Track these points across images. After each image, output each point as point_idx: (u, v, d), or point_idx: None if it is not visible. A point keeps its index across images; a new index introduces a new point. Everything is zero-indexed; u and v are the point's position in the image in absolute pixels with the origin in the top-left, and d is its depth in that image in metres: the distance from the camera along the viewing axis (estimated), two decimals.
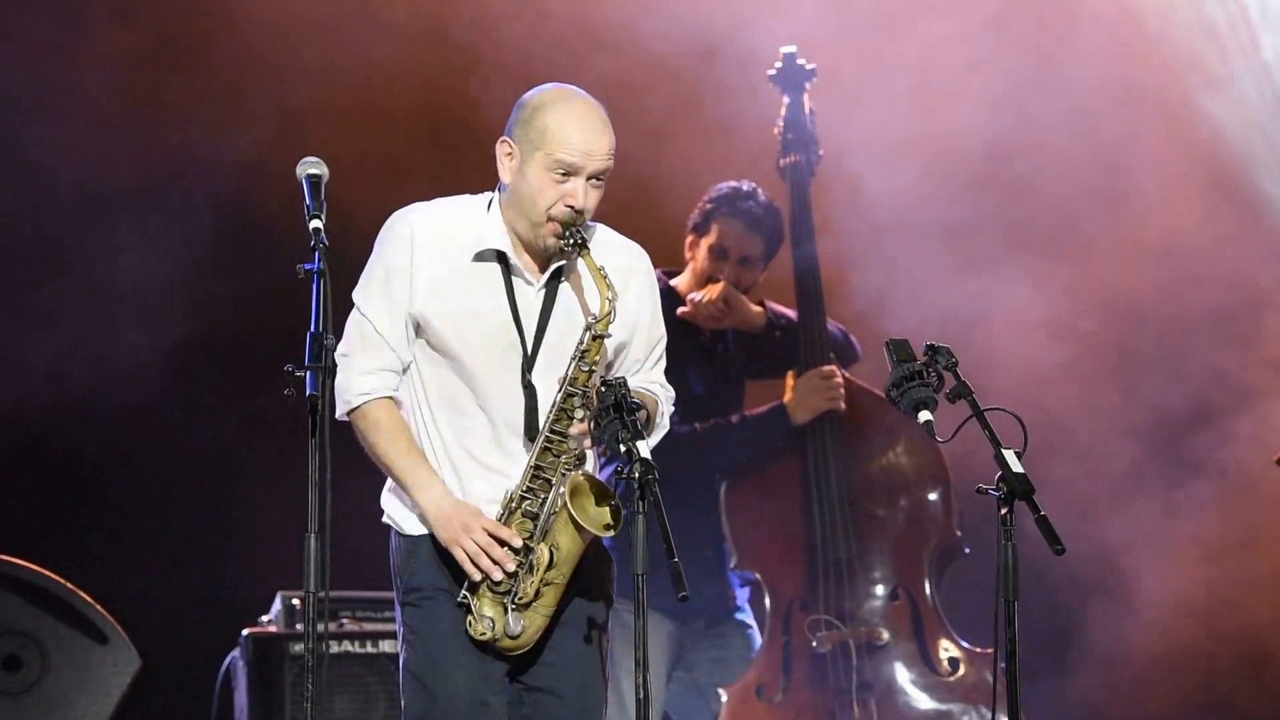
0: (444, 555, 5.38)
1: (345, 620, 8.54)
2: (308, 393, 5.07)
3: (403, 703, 5.47)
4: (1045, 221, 9.41)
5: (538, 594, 5.32)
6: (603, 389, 5.23)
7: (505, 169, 5.41)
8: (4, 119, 9.09)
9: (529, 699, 5.45)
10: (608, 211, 5.51)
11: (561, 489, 5.30)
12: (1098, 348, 9.33)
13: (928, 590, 7.99)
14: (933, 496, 8.07)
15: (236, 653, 8.46)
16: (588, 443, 5.38)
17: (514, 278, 5.42)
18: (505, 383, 5.40)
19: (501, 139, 5.41)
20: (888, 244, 9.11)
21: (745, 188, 8.06)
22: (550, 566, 5.31)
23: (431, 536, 5.39)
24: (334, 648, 8.41)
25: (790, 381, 8.08)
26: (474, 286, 5.40)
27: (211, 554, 9.30)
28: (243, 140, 9.13)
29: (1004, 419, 5.26)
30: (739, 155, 8.80)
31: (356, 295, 5.45)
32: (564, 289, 5.45)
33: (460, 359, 5.40)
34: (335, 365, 5.19)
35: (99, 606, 8.05)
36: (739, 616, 8.01)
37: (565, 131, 5.32)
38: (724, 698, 7.85)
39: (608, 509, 5.28)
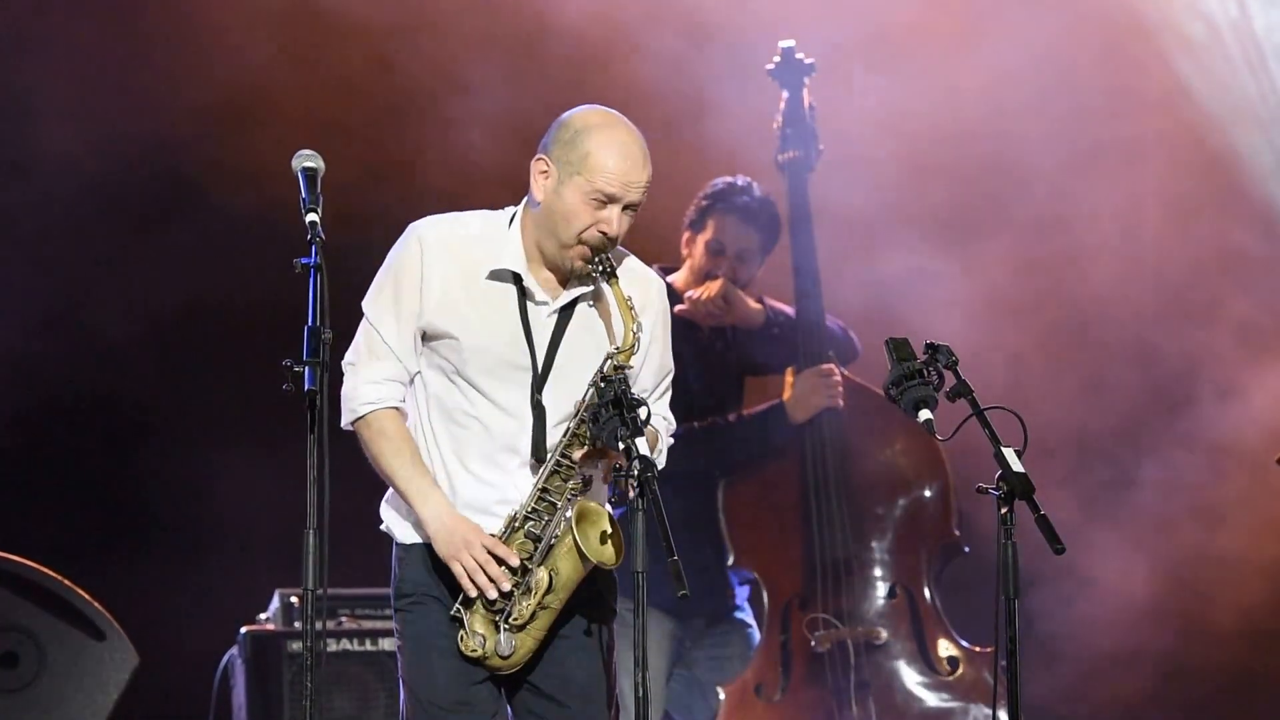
0: (437, 563, 5.37)
1: (344, 618, 8.53)
2: (306, 388, 5.08)
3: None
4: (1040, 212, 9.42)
5: (533, 616, 5.30)
6: (602, 385, 5.22)
7: (539, 186, 5.35)
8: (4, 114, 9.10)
9: (536, 705, 5.44)
10: None
11: (568, 513, 5.29)
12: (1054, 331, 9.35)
13: (926, 589, 7.98)
14: (931, 495, 8.06)
15: (234, 650, 8.45)
16: (599, 471, 5.36)
17: (526, 298, 5.39)
18: (510, 400, 5.38)
19: (538, 156, 5.34)
20: (887, 240, 9.09)
21: (740, 182, 8.06)
22: (549, 590, 5.29)
23: (426, 545, 5.38)
24: (332, 646, 8.40)
25: (789, 379, 8.07)
26: (485, 303, 5.37)
27: (210, 551, 9.29)
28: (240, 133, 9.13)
29: (1004, 418, 5.25)
30: (736, 151, 8.78)
31: (366, 305, 5.43)
32: (579, 311, 5.42)
33: (466, 374, 5.38)
34: (331, 358, 5.18)
35: (96, 603, 8.03)
36: (739, 615, 8.01)
37: (608, 160, 5.27)
38: (722, 696, 7.85)
39: (611, 545, 5.27)
